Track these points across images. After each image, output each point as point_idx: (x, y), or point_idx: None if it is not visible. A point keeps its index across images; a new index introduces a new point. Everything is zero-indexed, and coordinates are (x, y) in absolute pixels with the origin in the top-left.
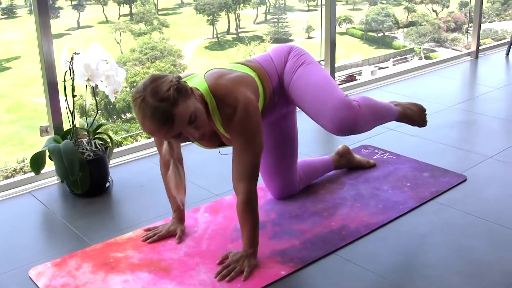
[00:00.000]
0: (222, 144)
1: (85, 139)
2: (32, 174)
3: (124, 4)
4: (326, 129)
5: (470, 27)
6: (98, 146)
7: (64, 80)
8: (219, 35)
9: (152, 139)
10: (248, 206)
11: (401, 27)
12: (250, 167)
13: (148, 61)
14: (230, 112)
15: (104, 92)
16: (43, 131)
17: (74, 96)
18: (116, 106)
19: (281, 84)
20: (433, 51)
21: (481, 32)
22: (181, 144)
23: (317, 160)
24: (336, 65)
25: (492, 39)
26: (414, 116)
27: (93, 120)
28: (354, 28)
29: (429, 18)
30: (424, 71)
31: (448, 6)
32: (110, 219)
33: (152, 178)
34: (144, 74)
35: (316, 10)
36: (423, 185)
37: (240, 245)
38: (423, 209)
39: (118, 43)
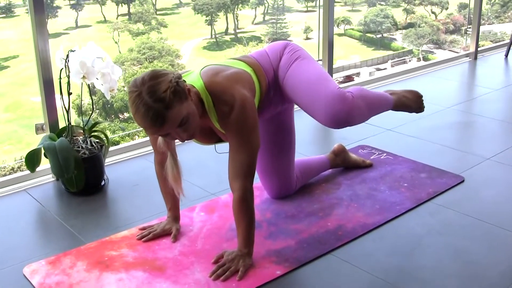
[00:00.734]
0: (219, 140)
1: (81, 137)
2: (28, 172)
3: (123, 4)
4: (321, 122)
5: (469, 28)
6: (93, 144)
7: (60, 78)
8: (217, 35)
9: (147, 139)
10: (244, 204)
11: (400, 29)
12: (246, 165)
13: (146, 61)
14: (226, 110)
15: (102, 91)
16: (39, 128)
17: (69, 94)
18: (114, 105)
19: (276, 79)
20: (432, 52)
21: (480, 34)
22: (177, 144)
23: (313, 159)
24: (335, 66)
25: (491, 41)
26: (410, 103)
27: (89, 118)
28: (352, 29)
29: (428, 19)
30: (422, 72)
31: (447, 8)
32: (105, 218)
33: (148, 177)
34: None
35: (315, 11)
36: (420, 186)
37: (236, 245)
38: (420, 210)
39: (116, 42)
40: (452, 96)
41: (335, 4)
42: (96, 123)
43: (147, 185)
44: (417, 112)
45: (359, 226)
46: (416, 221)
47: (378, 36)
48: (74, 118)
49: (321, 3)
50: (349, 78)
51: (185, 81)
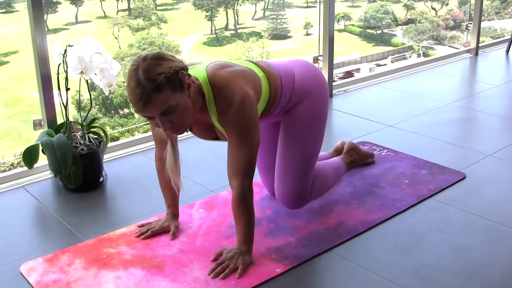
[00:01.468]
0: (216, 137)
1: (79, 133)
2: (26, 168)
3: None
4: (279, 195)
5: (470, 23)
6: (92, 140)
7: (58, 73)
8: (217, 31)
9: (148, 134)
10: (242, 202)
11: (400, 25)
12: (245, 163)
13: None
14: (226, 104)
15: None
16: (37, 124)
17: (67, 89)
18: (114, 101)
19: (287, 103)
20: (432, 48)
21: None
22: (178, 138)
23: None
24: (335, 62)
25: (491, 37)
26: (358, 159)
27: (87, 114)
28: (352, 25)
29: (428, 15)
30: (423, 68)
31: (447, 4)
32: (104, 215)
33: (147, 173)
34: None
35: (315, 6)
36: (421, 183)
37: (235, 242)
38: (421, 206)
39: (116, 38)
40: (453, 92)
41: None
42: (94, 119)
43: (146, 181)
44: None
45: (360, 223)
46: (417, 218)
47: (378, 32)
48: (73, 114)
49: None
50: (349, 74)
51: (189, 75)
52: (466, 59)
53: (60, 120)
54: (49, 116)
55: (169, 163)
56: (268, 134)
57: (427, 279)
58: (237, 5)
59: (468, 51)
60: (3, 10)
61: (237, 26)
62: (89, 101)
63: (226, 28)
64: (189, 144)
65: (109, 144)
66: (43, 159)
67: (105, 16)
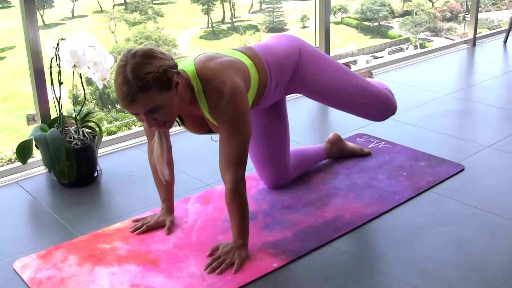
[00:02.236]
0: (210, 131)
1: (73, 127)
2: (19, 163)
3: None
4: (369, 117)
5: (467, 14)
6: (86, 134)
7: (50, 67)
8: (214, 25)
9: (142, 128)
10: (236, 195)
11: (397, 17)
12: (237, 155)
13: None
14: (216, 96)
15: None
16: (30, 119)
17: (60, 83)
18: (111, 95)
19: (285, 80)
20: (429, 40)
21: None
22: (172, 133)
23: (309, 148)
24: (331, 54)
25: (488, 28)
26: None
27: (81, 108)
28: (349, 17)
29: (425, 7)
30: (420, 59)
31: None
32: (98, 210)
33: (142, 168)
34: None
35: None
36: (419, 175)
37: (231, 236)
38: (420, 199)
39: (112, 32)
40: (451, 83)
41: None
42: (88, 113)
43: (141, 176)
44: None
45: (357, 217)
46: (415, 211)
47: (375, 24)
48: (67, 108)
49: None
50: (346, 66)
51: (178, 72)
52: (464, 50)
53: (54, 114)
54: (42, 110)
55: (156, 153)
56: (263, 126)
57: (426, 272)
58: None
59: (465, 42)
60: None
61: (234, 20)
62: (85, 96)
63: (222, 21)
64: (184, 138)
65: (104, 138)
66: (37, 154)
67: (101, 11)
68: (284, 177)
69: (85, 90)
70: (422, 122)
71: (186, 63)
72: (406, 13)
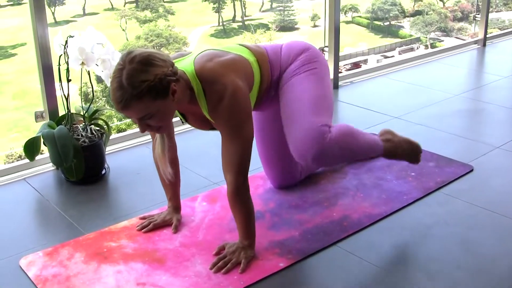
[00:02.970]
0: (213, 128)
1: (81, 125)
2: (27, 160)
3: None
4: (291, 151)
5: (478, 14)
6: (94, 132)
7: (59, 64)
8: (224, 23)
9: None
10: (237, 197)
11: (408, 16)
12: (237, 158)
13: (154, 48)
14: (216, 99)
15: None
16: (38, 116)
17: (68, 80)
18: None
19: (278, 81)
20: (439, 40)
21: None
22: (178, 131)
23: None
24: (342, 53)
25: (499, 28)
26: (405, 156)
27: (89, 105)
28: (360, 17)
29: (436, 7)
30: (430, 59)
31: None
32: (105, 207)
33: (149, 166)
34: None
35: None
36: (428, 175)
37: (238, 236)
38: (428, 200)
39: (123, 30)
40: (461, 83)
41: None
42: (96, 111)
43: (148, 174)
44: (410, 163)
45: (365, 217)
46: (424, 211)
47: (386, 23)
48: (75, 106)
49: None
50: (356, 65)
51: (177, 79)
52: (474, 50)
53: (62, 112)
54: (50, 107)
55: (157, 151)
56: (270, 126)
57: (434, 273)
58: None
59: (475, 42)
60: (11, 3)
61: (245, 18)
62: (96, 93)
63: (233, 20)
64: (192, 136)
65: (112, 136)
66: (45, 151)
67: (112, 8)
68: (291, 177)
69: (95, 88)
70: (431, 122)
71: (186, 63)
72: (417, 13)
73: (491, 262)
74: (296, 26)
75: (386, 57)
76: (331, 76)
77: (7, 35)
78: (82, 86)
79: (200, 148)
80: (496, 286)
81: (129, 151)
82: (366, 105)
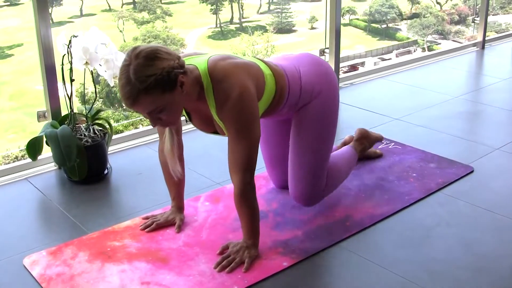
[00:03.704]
0: (215, 132)
1: (83, 124)
2: (29, 160)
3: None
4: (291, 190)
5: (477, 17)
6: (96, 132)
7: (62, 64)
8: (222, 25)
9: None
10: (243, 198)
11: (405, 19)
12: (244, 159)
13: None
14: (224, 97)
15: (106, 80)
16: (41, 116)
17: (72, 80)
18: (117, 95)
19: (294, 105)
20: (436, 43)
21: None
22: (183, 131)
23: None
24: (340, 56)
25: (496, 31)
26: (369, 146)
27: (92, 105)
28: (357, 19)
29: (433, 10)
30: (429, 61)
31: None
32: (108, 207)
33: (152, 166)
34: None
35: (320, 0)
36: (429, 176)
37: (241, 235)
38: (429, 200)
39: (121, 31)
40: (460, 86)
41: None
42: (99, 111)
43: (151, 174)
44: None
45: (367, 217)
46: (425, 212)
47: (383, 26)
48: (77, 106)
49: None
50: (353, 68)
51: (184, 72)
52: (473, 53)
53: (64, 111)
54: (53, 107)
55: (166, 148)
56: (275, 127)
57: (436, 273)
58: None
59: (474, 44)
60: (8, 3)
61: (242, 20)
62: (93, 94)
63: (231, 21)
64: (195, 137)
65: (114, 136)
66: (47, 151)
67: (110, 9)
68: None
69: (91, 90)
70: (432, 124)
71: (200, 60)
72: (414, 16)
73: (492, 262)
74: (293, 28)
75: (383, 59)
76: None
77: (3, 35)
78: (84, 86)
79: (203, 148)
80: (497, 286)
81: (131, 152)
82: (367, 107)
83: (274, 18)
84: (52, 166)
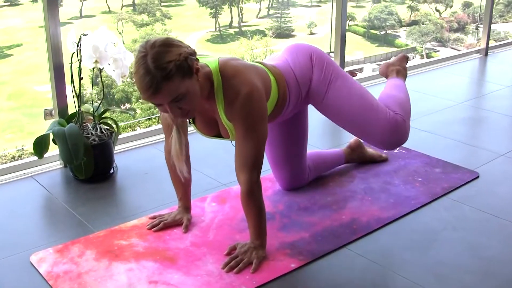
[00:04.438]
0: (218, 135)
1: (90, 123)
2: (35, 158)
3: None
4: (376, 147)
5: (480, 24)
6: (103, 131)
7: (71, 62)
8: (221, 28)
9: (159, 126)
10: (250, 197)
11: (404, 26)
12: (252, 157)
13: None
14: (233, 95)
15: (105, 81)
16: (47, 114)
17: (80, 78)
18: (115, 96)
19: (302, 95)
20: (435, 50)
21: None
22: (188, 132)
23: (328, 152)
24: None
25: (495, 40)
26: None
27: (99, 104)
28: (356, 25)
29: (432, 17)
30: (432, 67)
31: (451, 6)
32: (114, 206)
33: (158, 165)
34: None
35: (320, 6)
36: (434, 181)
37: (248, 236)
38: (435, 205)
39: (120, 33)
40: (464, 92)
41: None
42: (106, 110)
43: (157, 173)
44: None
45: (373, 220)
46: (431, 216)
47: (382, 32)
48: (84, 105)
49: None
50: (352, 74)
51: (197, 59)
52: (476, 60)
53: (70, 110)
54: (60, 106)
55: (174, 148)
56: (278, 128)
57: (443, 277)
58: (242, 3)
59: (477, 51)
60: (8, 3)
61: (241, 24)
62: (92, 95)
63: (230, 25)
64: (200, 138)
65: (120, 136)
66: (53, 149)
67: (109, 11)
68: (299, 179)
69: (89, 91)
70: (436, 129)
71: (211, 59)
72: (413, 23)
73: (498, 266)
74: (292, 33)
75: None
76: None
77: (2, 35)
78: (93, 84)
79: (209, 149)
80: None
81: (137, 151)
82: None
83: (273, 23)
84: (58, 164)
